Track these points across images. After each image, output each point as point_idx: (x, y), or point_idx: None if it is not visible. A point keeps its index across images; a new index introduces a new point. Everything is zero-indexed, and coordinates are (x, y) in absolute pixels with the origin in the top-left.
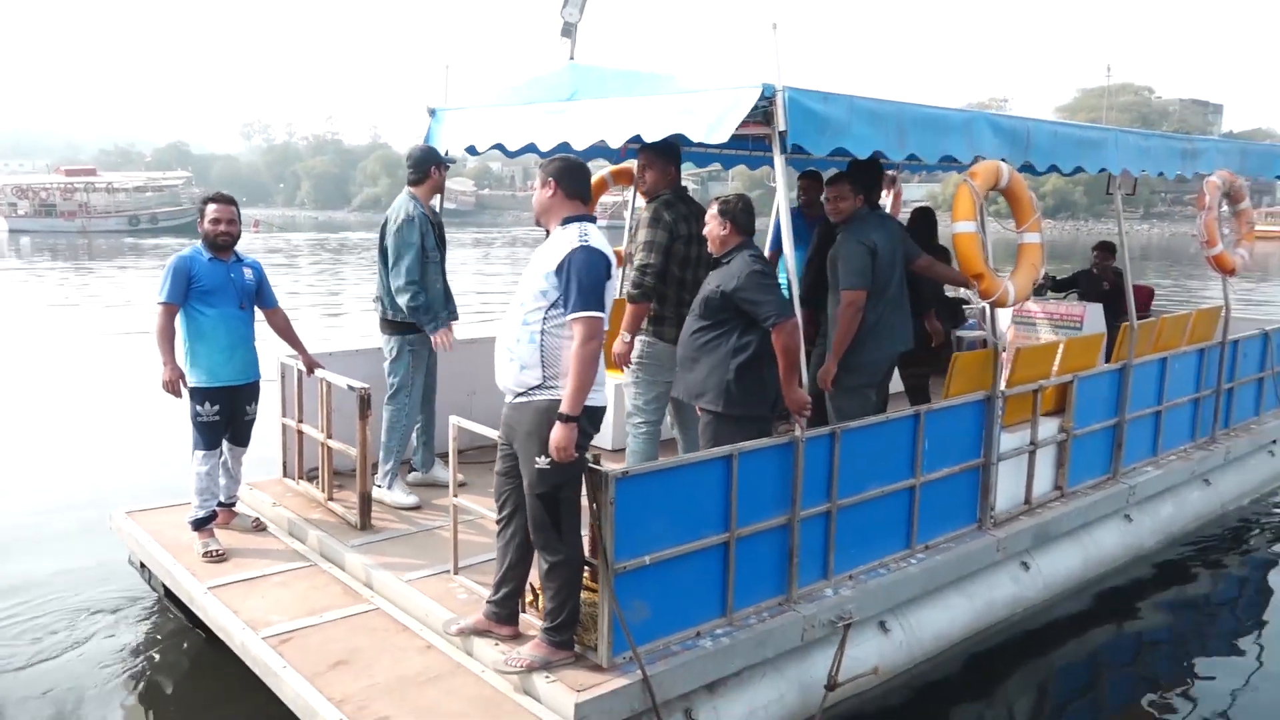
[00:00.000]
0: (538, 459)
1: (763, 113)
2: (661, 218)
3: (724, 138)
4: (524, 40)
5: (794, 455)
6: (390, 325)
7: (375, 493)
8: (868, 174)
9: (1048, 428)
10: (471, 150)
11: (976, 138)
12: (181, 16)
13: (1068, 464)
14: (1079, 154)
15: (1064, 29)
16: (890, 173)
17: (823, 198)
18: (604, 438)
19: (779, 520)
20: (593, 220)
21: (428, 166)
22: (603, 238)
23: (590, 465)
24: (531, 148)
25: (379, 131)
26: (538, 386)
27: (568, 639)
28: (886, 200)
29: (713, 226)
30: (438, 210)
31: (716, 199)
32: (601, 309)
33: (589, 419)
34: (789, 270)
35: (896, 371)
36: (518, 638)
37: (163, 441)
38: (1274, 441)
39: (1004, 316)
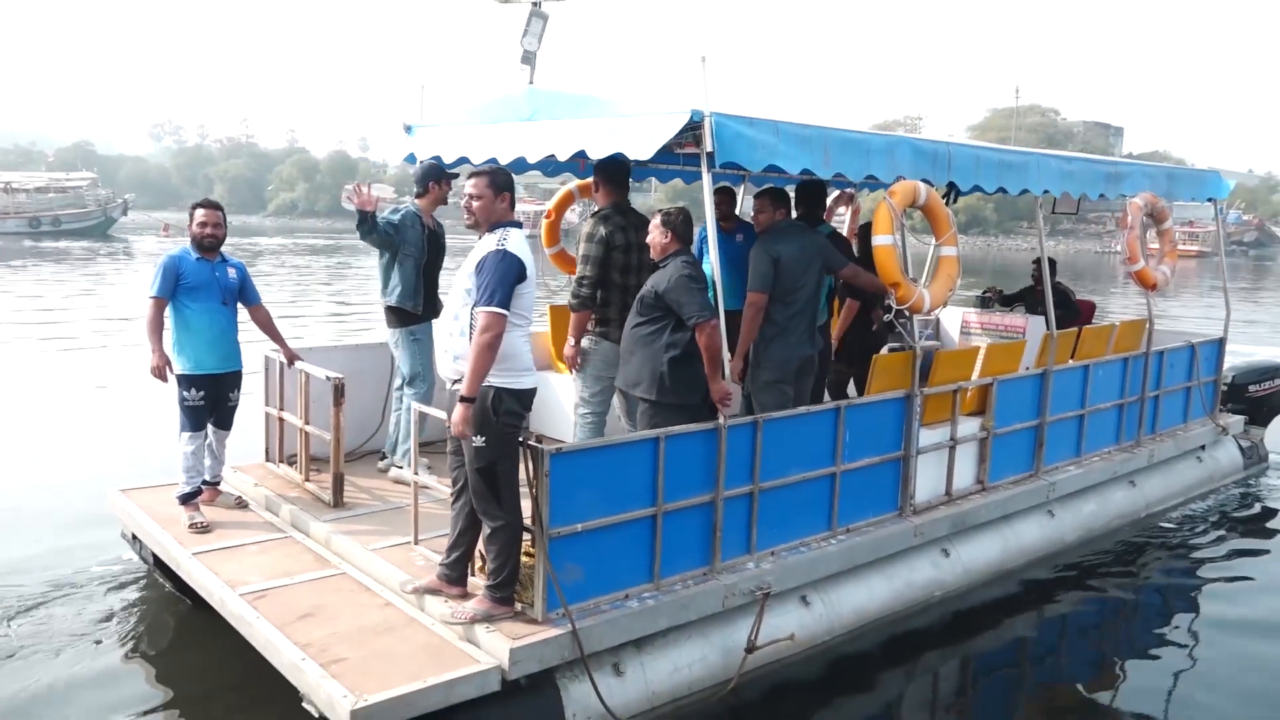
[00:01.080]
0: (475, 438)
1: (693, 135)
2: (597, 233)
3: (650, 154)
4: (461, 45)
5: (717, 441)
6: (394, 315)
7: (394, 472)
8: (781, 193)
9: (969, 426)
10: (438, 160)
11: (899, 160)
12: (88, 11)
13: (989, 460)
14: (1001, 176)
15: (976, 51)
16: (849, 190)
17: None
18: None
19: (704, 498)
20: (518, 225)
21: (427, 182)
22: (522, 242)
23: (529, 443)
24: (493, 160)
25: (296, 135)
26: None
27: (508, 595)
28: (847, 214)
29: (655, 235)
30: (439, 221)
31: (660, 210)
32: (505, 307)
33: (519, 401)
34: (715, 274)
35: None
36: (466, 597)
37: (153, 427)
38: (1202, 447)
39: (953, 327)
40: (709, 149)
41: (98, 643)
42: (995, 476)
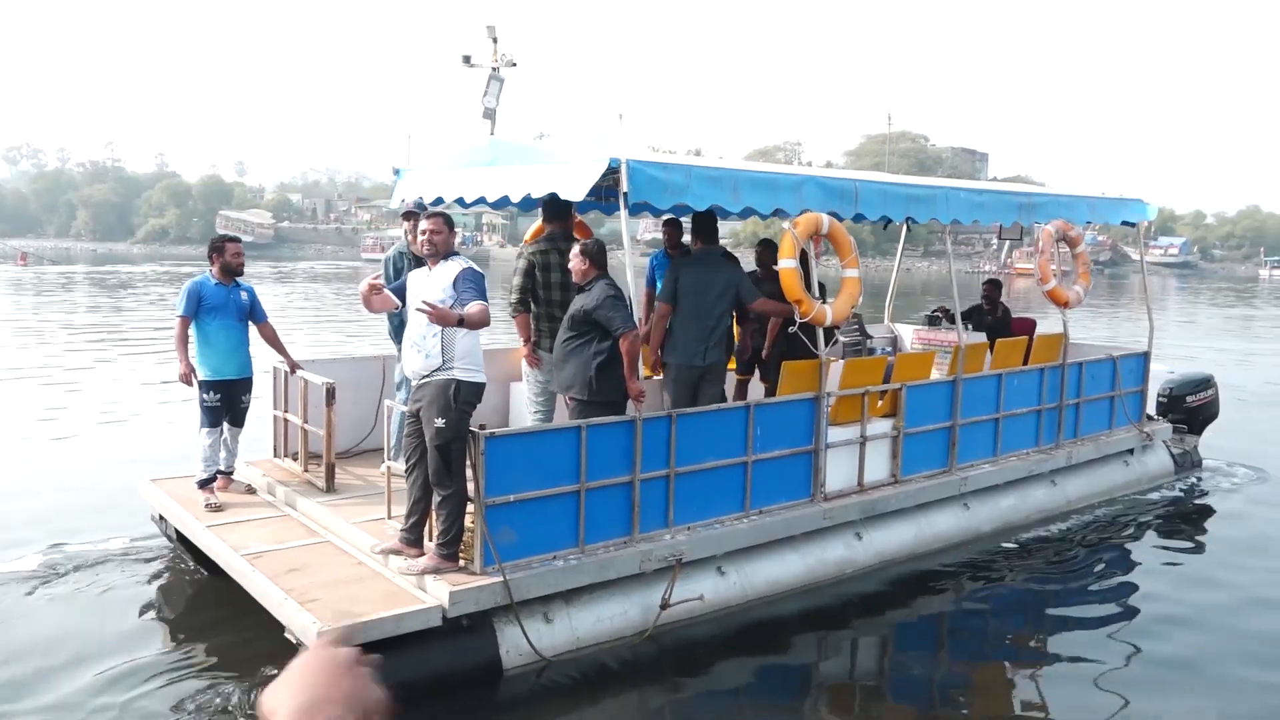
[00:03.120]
0: (436, 420)
1: (613, 177)
2: (521, 261)
3: (581, 196)
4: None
5: (634, 431)
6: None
7: (394, 465)
8: (697, 223)
9: (882, 426)
10: (419, 201)
11: (806, 195)
12: None
13: (900, 456)
14: (908, 207)
15: (851, 79)
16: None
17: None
18: None
19: (623, 479)
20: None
21: (406, 219)
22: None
23: (472, 429)
24: (461, 200)
25: (165, 158)
26: (438, 369)
27: (453, 553)
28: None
29: (575, 263)
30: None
31: (579, 243)
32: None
33: (473, 392)
34: (629, 293)
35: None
36: (422, 557)
37: (176, 428)
38: (1130, 452)
39: (906, 343)
40: (624, 189)
41: (132, 606)
42: (908, 471)
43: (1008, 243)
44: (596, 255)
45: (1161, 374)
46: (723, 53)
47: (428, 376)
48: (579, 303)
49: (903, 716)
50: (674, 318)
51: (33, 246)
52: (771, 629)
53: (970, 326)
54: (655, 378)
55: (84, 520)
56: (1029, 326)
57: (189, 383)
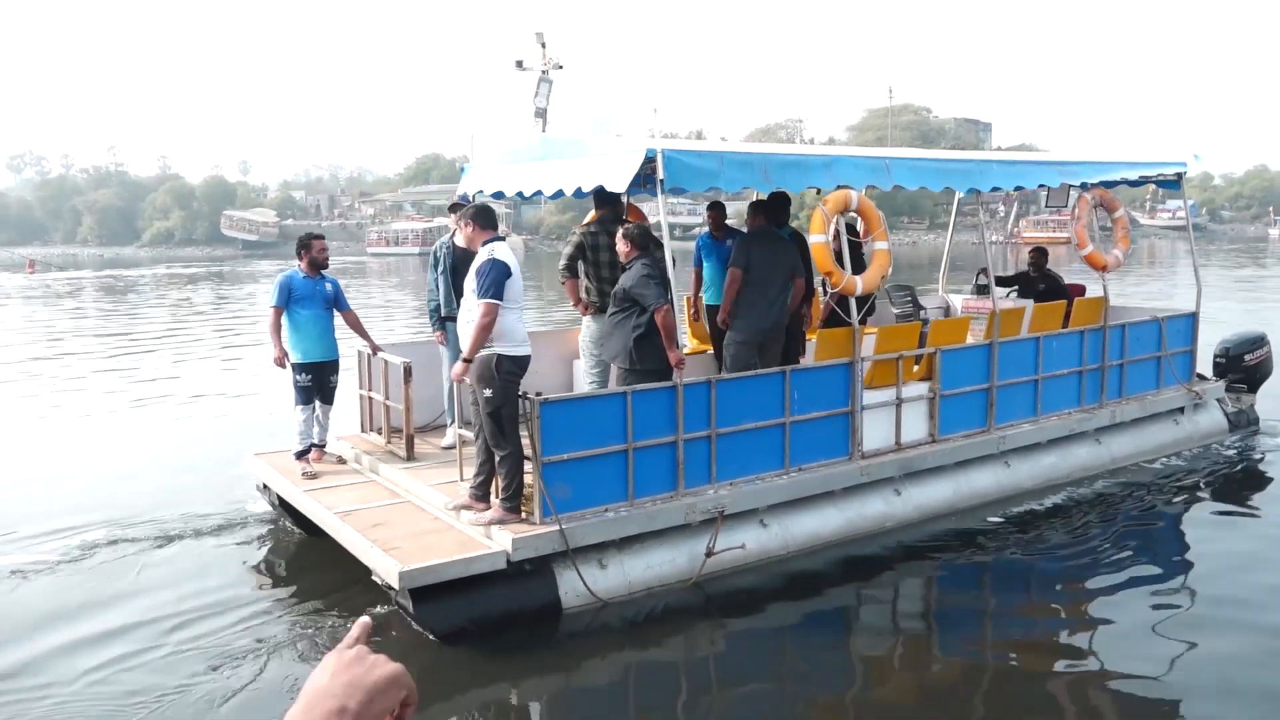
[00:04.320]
0: (485, 391)
1: (651, 166)
2: (574, 238)
3: (624, 187)
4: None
5: (676, 396)
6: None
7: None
8: (762, 203)
9: (918, 389)
10: (463, 196)
11: (839, 172)
12: None
13: (937, 416)
14: (944, 179)
15: (851, 53)
16: None
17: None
18: None
19: (668, 439)
20: (502, 239)
21: (451, 212)
22: (507, 251)
23: (527, 396)
24: (519, 194)
25: (168, 161)
26: (483, 348)
27: (515, 506)
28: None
29: (620, 246)
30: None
31: (623, 226)
32: (497, 297)
33: (515, 364)
34: (670, 272)
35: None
36: (489, 510)
37: (268, 409)
38: (1180, 410)
39: (958, 312)
40: (660, 177)
41: (244, 561)
42: (946, 430)
43: (1014, 211)
44: (637, 238)
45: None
46: (722, 31)
47: (480, 353)
48: (621, 280)
49: (943, 663)
50: (744, 285)
51: (40, 254)
52: (813, 578)
53: (1016, 294)
54: (698, 352)
55: (195, 493)
56: (1080, 293)
57: (282, 366)
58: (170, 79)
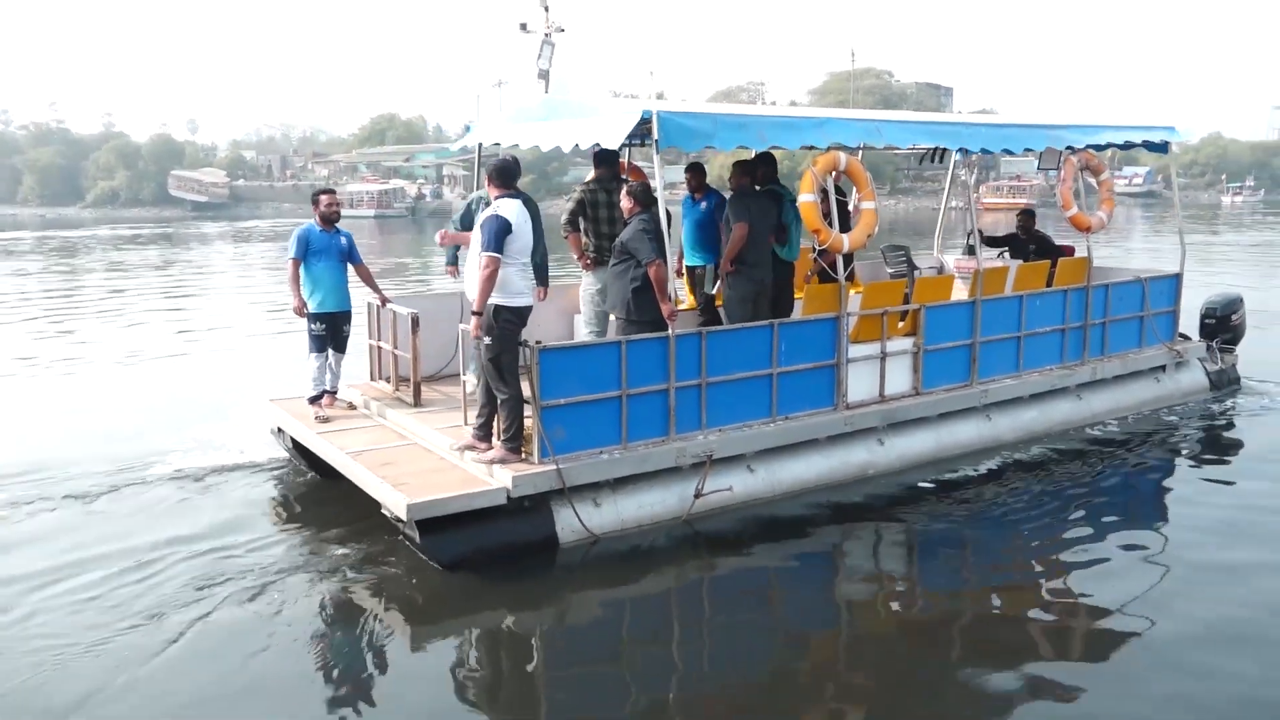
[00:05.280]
0: (485, 339)
1: (646, 127)
2: (576, 193)
3: (618, 144)
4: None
5: (668, 346)
6: None
7: (468, 379)
8: (751, 163)
9: (903, 344)
10: (496, 147)
11: (831, 131)
12: None
13: (920, 370)
14: (933, 138)
15: (812, 15)
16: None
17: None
18: None
19: (660, 387)
20: (515, 196)
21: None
22: (512, 207)
23: (527, 344)
24: (515, 147)
25: (112, 119)
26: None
27: (516, 446)
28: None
29: (624, 202)
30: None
31: (626, 183)
32: (497, 250)
33: (514, 314)
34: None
35: None
36: (491, 450)
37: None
38: (1162, 369)
39: (951, 272)
40: (655, 137)
41: (261, 499)
42: (929, 384)
43: (974, 178)
44: (640, 194)
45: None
46: None
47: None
48: (622, 234)
49: (923, 601)
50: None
51: None
52: (798, 521)
53: (1008, 255)
54: (693, 308)
55: (213, 435)
56: (1069, 254)
57: (301, 315)
58: (115, 32)
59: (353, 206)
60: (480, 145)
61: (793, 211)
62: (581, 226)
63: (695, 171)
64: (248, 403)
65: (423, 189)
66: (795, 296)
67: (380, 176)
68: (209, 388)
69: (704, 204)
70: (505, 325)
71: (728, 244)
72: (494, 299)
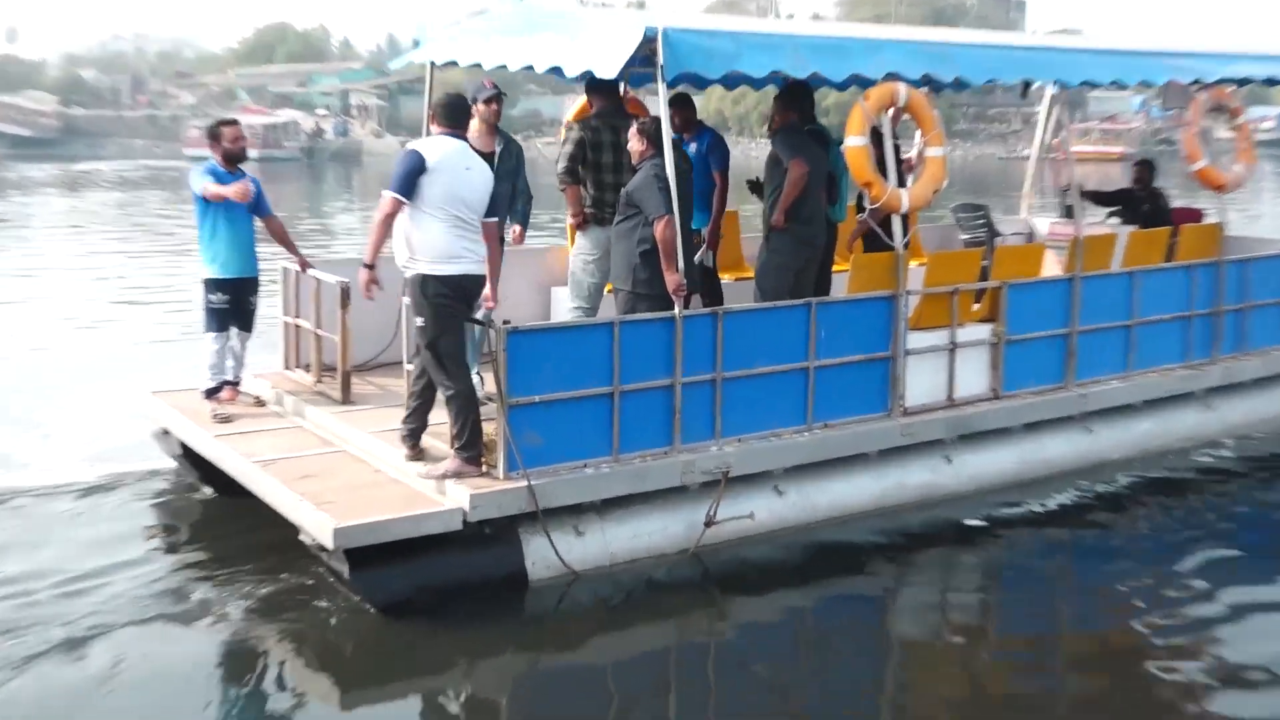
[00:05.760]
0: (416, 319)
1: (650, 49)
2: (573, 133)
3: (615, 73)
4: None
5: (674, 329)
6: None
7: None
8: (793, 94)
9: (978, 332)
10: (450, 64)
11: (887, 58)
12: None
13: (1001, 367)
14: (1018, 69)
15: None
16: None
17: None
18: None
19: (663, 383)
20: (457, 137)
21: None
22: (440, 145)
23: (489, 324)
24: (477, 66)
25: None
26: (406, 264)
27: (474, 455)
28: None
29: (633, 143)
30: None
31: (638, 120)
32: (400, 191)
33: (446, 285)
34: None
35: None
36: (419, 456)
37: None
38: None
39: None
40: (662, 62)
41: (134, 527)
42: (1012, 385)
43: (1054, 118)
44: (654, 133)
45: None
46: None
47: (405, 272)
48: (629, 184)
49: (993, 667)
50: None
51: None
52: (837, 555)
53: (1121, 219)
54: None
55: (72, 439)
56: (1195, 219)
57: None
58: None
59: None
60: (432, 65)
61: (840, 160)
62: (580, 175)
63: (682, 105)
64: (119, 397)
65: (322, 124)
66: (837, 269)
67: (266, 106)
68: (62, 376)
69: (693, 145)
70: (436, 300)
71: (780, 189)
72: (420, 266)
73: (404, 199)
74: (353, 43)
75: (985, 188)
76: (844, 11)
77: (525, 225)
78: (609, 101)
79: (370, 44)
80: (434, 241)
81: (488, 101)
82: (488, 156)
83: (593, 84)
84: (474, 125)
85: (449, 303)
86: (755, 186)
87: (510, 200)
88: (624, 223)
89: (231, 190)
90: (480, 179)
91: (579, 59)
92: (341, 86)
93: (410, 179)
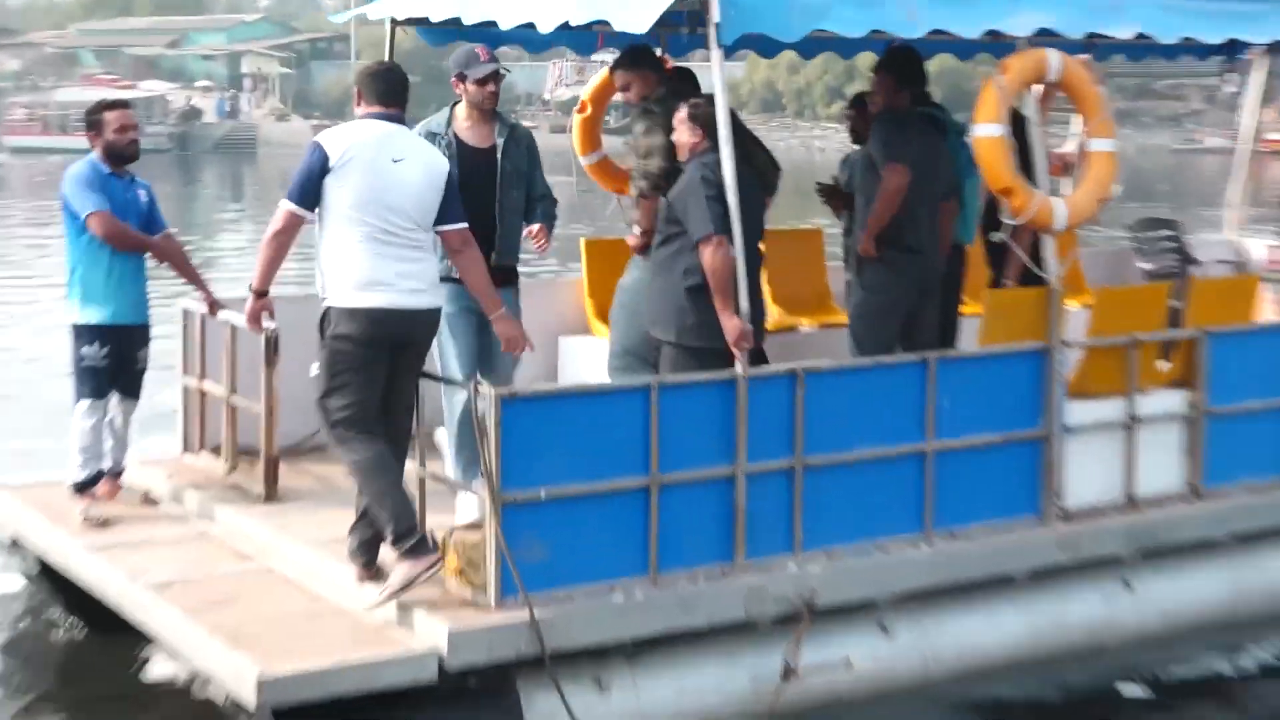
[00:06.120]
0: (313, 367)
1: (697, 1)
2: (650, 122)
3: (646, 27)
4: None
5: (735, 396)
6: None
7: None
8: (903, 65)
9: (1166, 401)
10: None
11: (1033, 8)
12: None
13: (1202, 453)
14: (1222, 24)
15: None
16: None
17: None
18: None
19: (720, 471)
20: (387, 119)
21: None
22: (351, 132)
23: (489, 387)
24: (457, 20)
25: None
26: (322, 295)
27: (415, 544)
28: None
29: (683, 134)
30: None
31: (686, 103)
32: (295, 199)
33: (355, 323)
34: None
35: None
36: (377, 577)
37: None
38: None
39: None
40: (716, 19)
41: None
42: (1217, 478)
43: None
44: (711, 121)
45: None
46: None
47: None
48: (671, 191)
49: None
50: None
51: None
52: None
53: None
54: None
55: None
56: None
57: (215, 310)
58: None
59: (68, 131)
60: (394, 24)
61: (964, 155)
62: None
63: (634, 69)
64: None
65: (201, 100)
66: (962, 309)
67: (121, 75)
68: None
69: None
70: (334, 343)
71: (873, 203)
72: (333, 295)
73: (302, 211)
74: None
75: (1156, 192)
76: None
77: (551, 227)
78: (654, 72)
79: None
80: (344, 264)
81: (482, 82)
82: (486, 153)
83: (634, 52)
84: (461, 112)
85: (352, 347)
86: (831, 193)
87: (527, 208)
88: (664, 247)
89: (157, 246)
90: (416, 175)
91: (593, 6)
92: (229, 48)
93: (310, 182)
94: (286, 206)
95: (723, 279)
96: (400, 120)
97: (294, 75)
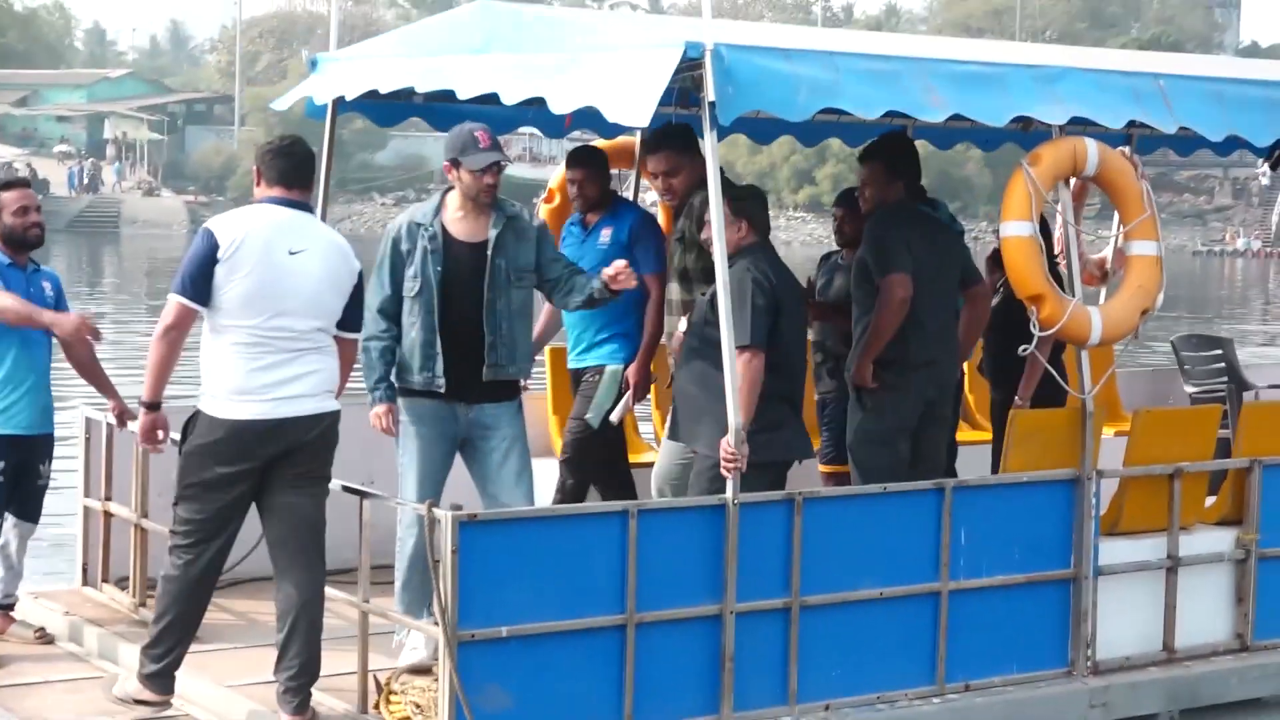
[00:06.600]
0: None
1: (690, 79)
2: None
3: (647, 119)
4: None
5: (724, 524)
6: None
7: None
8: (899, 153)
9: (1213, 539)
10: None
11: (1070, 92)
12: None
13: (1253, 599)
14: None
15: None
16: None
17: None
18: None
19: (705, 610)
20: (290, 206)
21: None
22: (246, 218)
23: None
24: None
25: None
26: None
27: (159, 670)
28: None
29: (725, 229)
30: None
31: (731, 193)
32: (182, 292)
33: (215, 433)
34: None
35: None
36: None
37: None
38: None
39: None
40: (711, 98)
41: None
42: (1270, 630)
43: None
44: (759, 214)
45: None
46: None
47: None
48: (709, 292)
49: None
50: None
51: None
52: None
53: None
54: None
55: None
56: None
57: (123, 420)
58: None
59: None
60: (337, 104)
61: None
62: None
63: (588, 167)
64: None
65: (52, 170)
66: (979, 437)
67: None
68: None
69: (605, 232)
70: (191, 452)
71: (870, 320)
72: (202, 398)
73: (193, 304)
74: (111, 35)
75: (1174, 299)
76: (939, 25)
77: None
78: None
79: (140, 38)
80: (216, 366)
81: (479, 172)
82: (476, 248)
83: (684, 149)
84: (454, 201)
85: (208, 460)
86: (814, 303)
87: (569, 288)
88: (693, 356)
89: (64, 327)
90: (314, 269)
91: (580, 91)
92: (89, 108)
93: (199, 272)
94: (176, 300)
95: (747, 392)
96: (304, 206)
97: (165, 142)
